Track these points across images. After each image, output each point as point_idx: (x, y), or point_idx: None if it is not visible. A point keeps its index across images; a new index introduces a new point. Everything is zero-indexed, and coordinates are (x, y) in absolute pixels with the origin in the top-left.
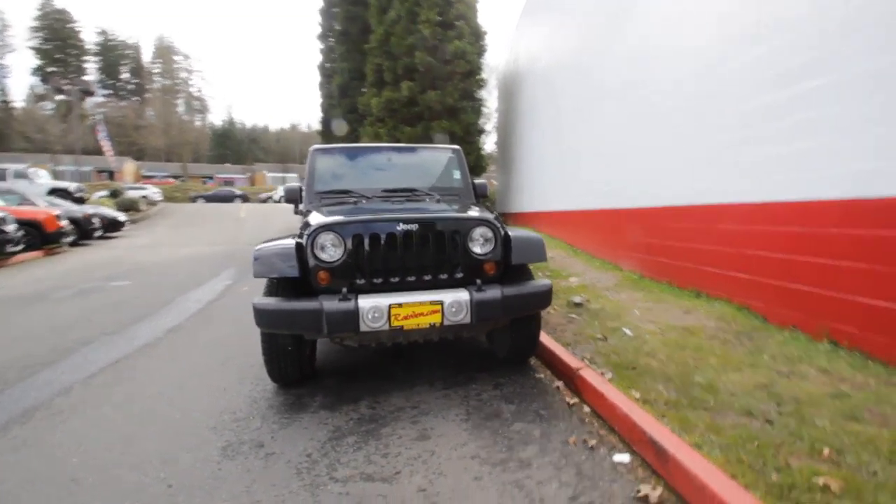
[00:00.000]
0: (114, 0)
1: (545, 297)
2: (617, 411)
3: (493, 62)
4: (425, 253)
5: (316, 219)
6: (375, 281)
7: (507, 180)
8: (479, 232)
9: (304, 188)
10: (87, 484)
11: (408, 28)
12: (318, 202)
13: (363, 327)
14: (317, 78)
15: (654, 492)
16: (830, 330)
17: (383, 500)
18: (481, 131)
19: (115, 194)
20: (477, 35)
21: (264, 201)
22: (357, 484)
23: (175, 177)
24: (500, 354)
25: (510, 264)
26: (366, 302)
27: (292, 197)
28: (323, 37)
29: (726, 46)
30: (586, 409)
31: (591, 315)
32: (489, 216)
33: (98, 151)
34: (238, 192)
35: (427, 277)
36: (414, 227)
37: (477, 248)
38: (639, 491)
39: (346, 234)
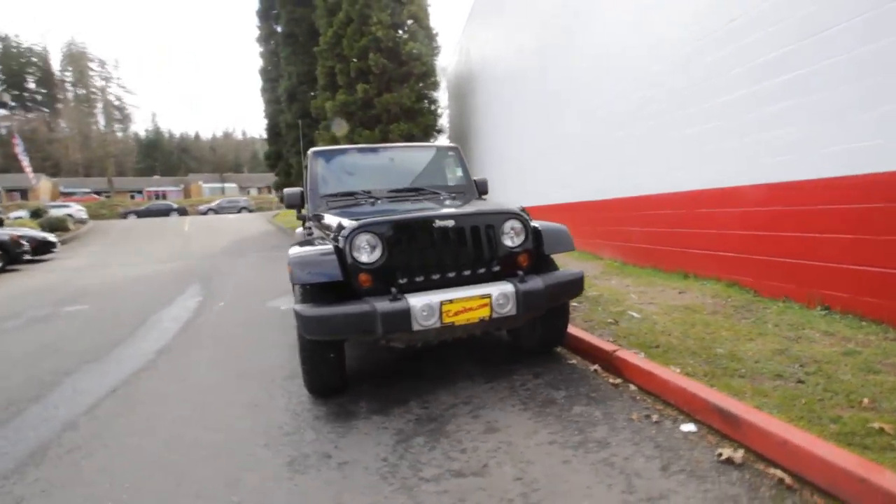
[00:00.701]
0: (16, 2)
1: (579, 284)
2: (670, 386)
3: (443, 63)
4: (462, 248)
5: (342, 221)
6: (417, 279)
7: None
8: (510, 225)
9: (307, 192)
10: None
11: (360, 30)
12: (325, 206)
13: (416, 326)
14: (255, 82)
15: (735, 453)
16: (823, 297)
17: (484, 493)
18: (439, 131)
19: (37, 214)
20: (429, 37)
21: (205, 213)
22: (450, 481)
23: (98, 192)
24: (527, 345)
25: (541, 255)
26: (417, 300)
27: (294, 202)
28: (263, 39)
29: (702, 43)
30: (632, 387)
31: (592, 302)
32: (517, 209)
33: (4, 169)
34: (175, 204)
35: (466, 273)
36: (450, 223)
37: (508, 241)
38: (721, 454)
39: (383, 234)
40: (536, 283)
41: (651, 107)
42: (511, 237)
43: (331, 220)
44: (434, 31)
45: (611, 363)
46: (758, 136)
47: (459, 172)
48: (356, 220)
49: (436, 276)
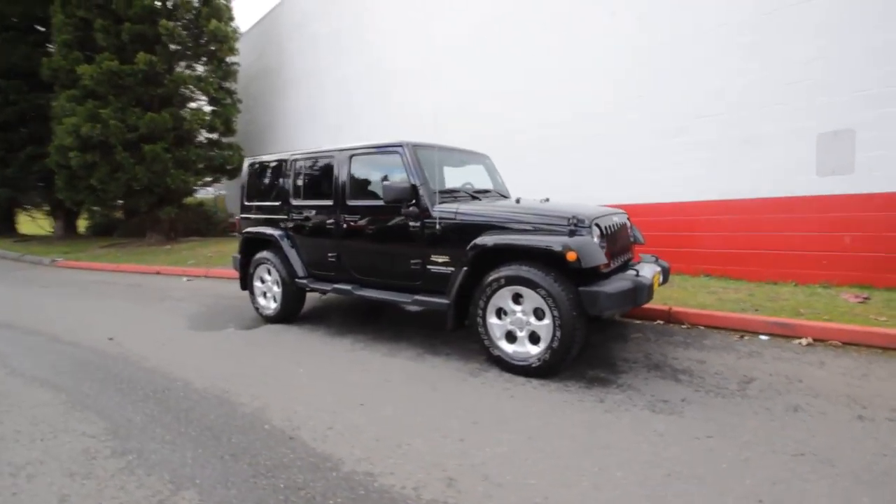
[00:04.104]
0: None
1: None
2: (731, 319)
3: None
4: (622, 238)
5: (577, 213)
6: (615, 263)
7: None
8: (628, 221)
9: (416, 185)
10: None
11: None
12: (439, 200)
13: None
14: None
15: (809, 339)
16: (704, 270)
17: (785, 388)
18: (233, 130)
19: None
20: (231, 18)
21: None
22: (747, 388)
23: None
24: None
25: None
26: (647, 274)
27: (403, 196)
28: None
29: (620, 104)
30: (701, 327)
31: None
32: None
33: None
34: None
35: (623, 258)
36: (616, 219)
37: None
38: (801, 342)
39: (601, 225)
40: (665, 263)
41: (572, 146)
42: (630, 230)
43: (489, 210)
44: (233, 14)
45: (671, 316)
46: (666, 172)
47: (499, 178)
48: (580, 214)
49: (618, 261)
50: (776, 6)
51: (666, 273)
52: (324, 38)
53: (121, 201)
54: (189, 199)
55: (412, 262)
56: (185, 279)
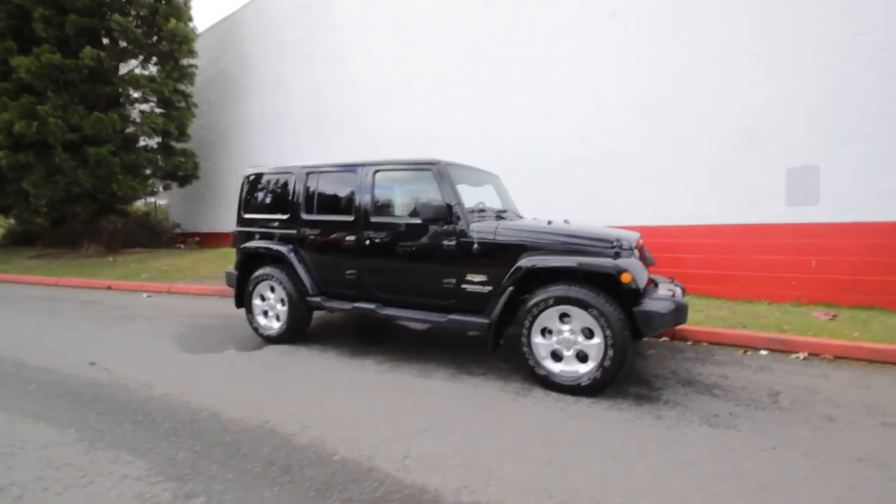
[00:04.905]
0: None
1: None
2: (733, 336)
3: None
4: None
5: (620, 236)
6: None
7: (207, 196)
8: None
9: (452, 205)
10: None
11: None
12: (474, 220)
13: None
14: None
15: (805, 354)
16: (689, 290)
17: (809, 401)
18: (188, 136)
19: None
20: (190, 18)
21: None
22: (778, 399)
23: None
24: None
25: None
26: (681, 295)
27: (440, 215)
28: None
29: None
30: (705, 343)
31: None
32: None
33: None
34: None
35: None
36: (637, 237)
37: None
38: (798, 357)
39: (634, 248)
40: (680, 284)
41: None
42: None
43: (525, 235)
44: (191, 14)
45: (676, 334)
46: (653, 192)
47: (509, 198)
48: (622, 237)
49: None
50: (755, 50)
51: (684, 291)
52: (291, 45)
53: (46, 208)
54: (132, 208)
55: (445, 281)
56: (144, 295)
